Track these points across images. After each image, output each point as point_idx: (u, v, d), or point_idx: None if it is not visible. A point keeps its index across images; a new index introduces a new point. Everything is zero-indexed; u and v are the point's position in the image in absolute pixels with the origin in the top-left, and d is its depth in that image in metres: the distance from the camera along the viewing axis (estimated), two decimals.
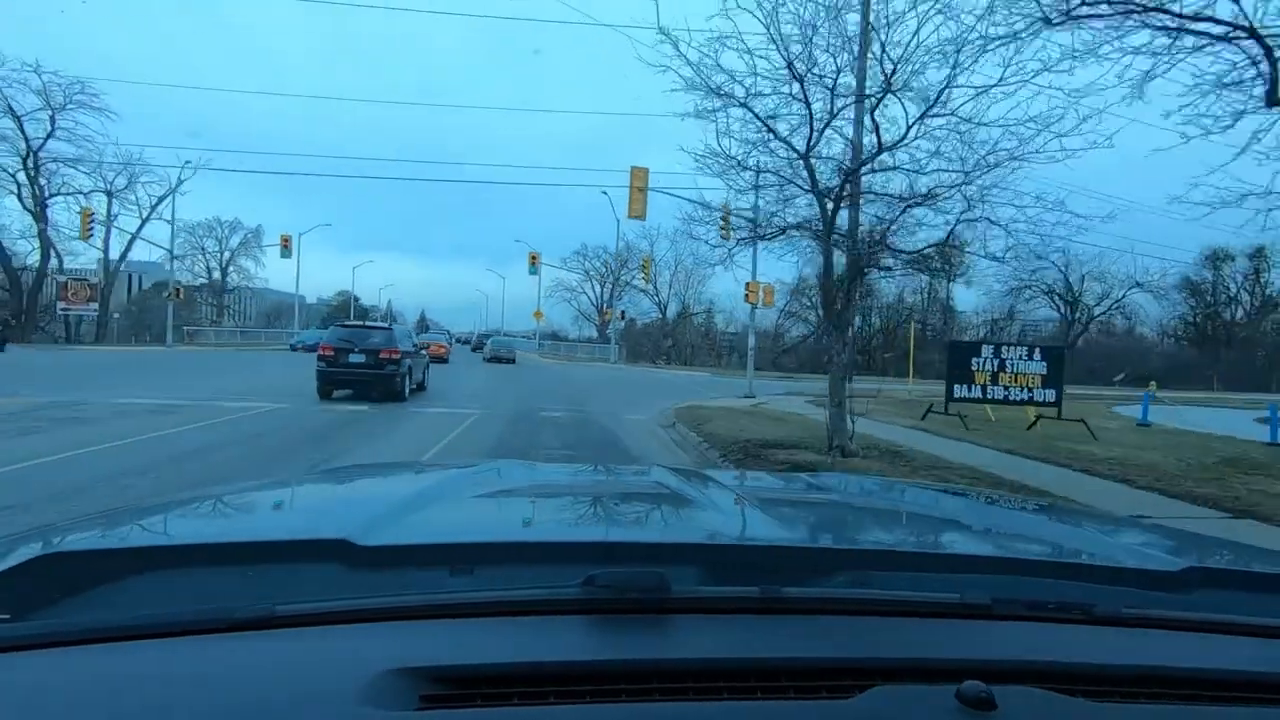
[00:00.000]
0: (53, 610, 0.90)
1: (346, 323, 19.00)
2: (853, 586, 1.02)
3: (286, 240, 47.85)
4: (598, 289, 77.69)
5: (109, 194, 44.42)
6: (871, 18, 8.62)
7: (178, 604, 0.90)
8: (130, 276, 69.76)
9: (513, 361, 40.04)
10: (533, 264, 42.72)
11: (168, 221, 44.83)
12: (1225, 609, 1.00)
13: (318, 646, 0.80)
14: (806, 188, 9.16)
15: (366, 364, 14.89)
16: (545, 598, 0.88)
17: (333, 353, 15.07)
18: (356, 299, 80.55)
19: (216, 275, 71.77)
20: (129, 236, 46.71)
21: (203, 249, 68.98)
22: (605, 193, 39.56)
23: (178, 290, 42.20)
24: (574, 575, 0.86)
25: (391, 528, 1.11)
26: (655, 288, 65.41)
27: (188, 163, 43.30)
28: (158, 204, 45.39)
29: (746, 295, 23.13)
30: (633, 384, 28.48)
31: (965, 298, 71.67)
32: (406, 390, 15.74)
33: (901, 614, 0.92)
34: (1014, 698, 0.71)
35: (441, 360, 33.31)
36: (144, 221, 46.41)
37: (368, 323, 19.26)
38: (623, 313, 53.09)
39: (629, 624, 0.84)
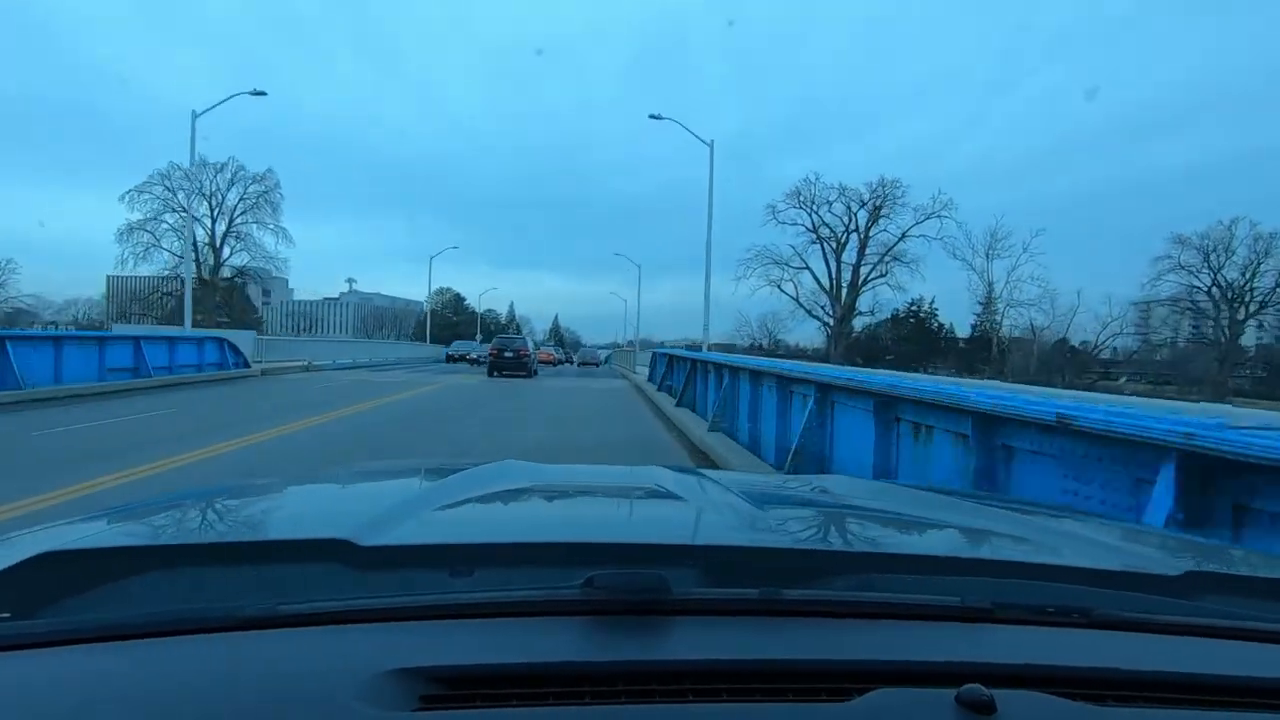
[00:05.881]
0: (53, 609, 0.90)
1: (503, 336, 35.04)
2: (853, 589, 1.01)
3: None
4: (832, 263, 41.62)
5: None
6: None
7: (179, 603, 0.91)
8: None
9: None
10: None
11: None
12: (1225, 613, 0.98)
13: (318, 646, 0.80)
14: None
15: (514, 358, 28.06)
16: (545, 599, 0.88)
17: (497, 352, 28.46)
18: (468, 304, 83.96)
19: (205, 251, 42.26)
20: None
21: (182, 209, 38.70)
22: None
23: None
24: (574, 576, 0.86)
25: (392, 528, 1.12)
26: None
27: None
28: None
29: None
30: None
31: None
32: (531, 372, 28.92)
33: (902, 617, 0.91)
34: (1014, 702, 0.71)
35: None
36: None
37: (513, 335, 39.50)
38: None
39: (629, 625, 0.84)
